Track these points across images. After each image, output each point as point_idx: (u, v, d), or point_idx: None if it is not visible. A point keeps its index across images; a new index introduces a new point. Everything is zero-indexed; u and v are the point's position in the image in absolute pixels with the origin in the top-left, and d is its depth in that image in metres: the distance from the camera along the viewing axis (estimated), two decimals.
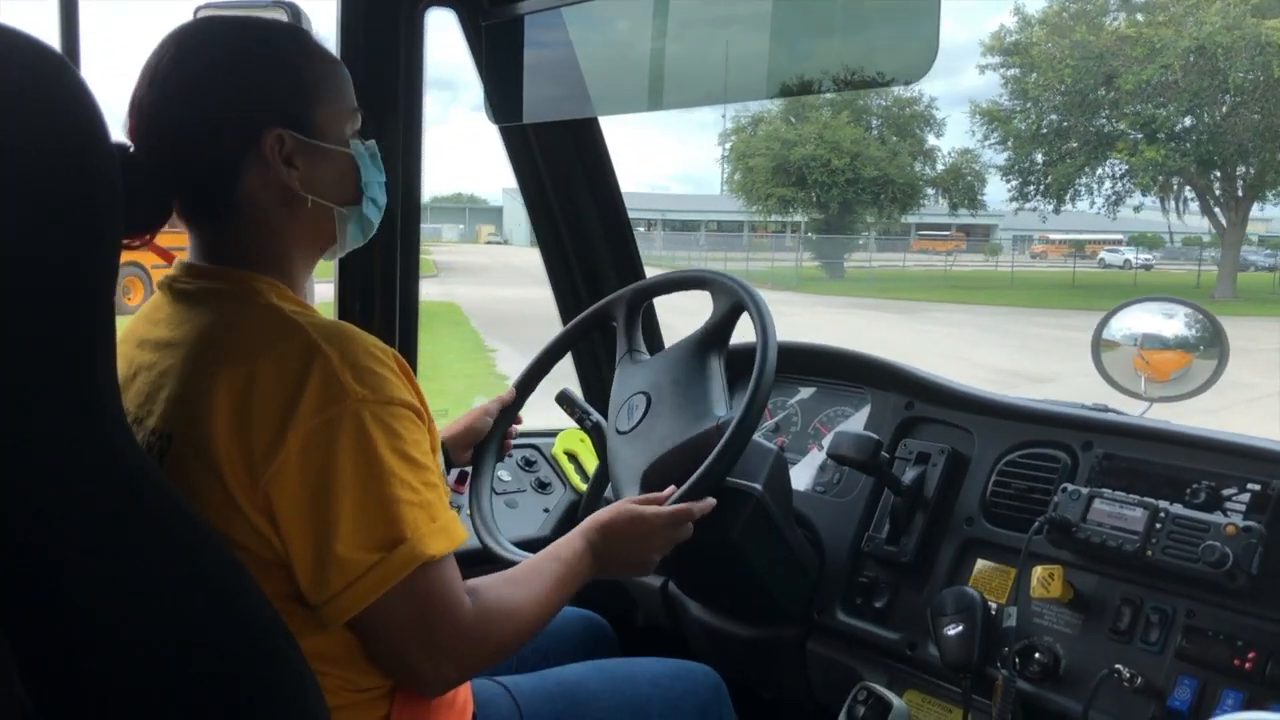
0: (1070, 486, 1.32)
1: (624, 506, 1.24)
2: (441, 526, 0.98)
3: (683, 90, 1.54)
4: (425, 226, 1.99)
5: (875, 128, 30.98)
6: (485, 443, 1.58)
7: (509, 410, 1.61)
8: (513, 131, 1.98)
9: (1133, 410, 1.64)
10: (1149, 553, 1.21)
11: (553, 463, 2.04)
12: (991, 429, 1.51)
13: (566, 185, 2.03)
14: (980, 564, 1.41)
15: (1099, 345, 1.75)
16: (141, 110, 1.03)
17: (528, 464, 2.00)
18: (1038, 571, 1.30)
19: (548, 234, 2.10)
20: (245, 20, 1.12)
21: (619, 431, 1.48)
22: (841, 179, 28.41)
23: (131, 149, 1.02)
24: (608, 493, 1.55)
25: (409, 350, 1.88)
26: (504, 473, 1.95)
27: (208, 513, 0.92)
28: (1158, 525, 1.22)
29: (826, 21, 1.34)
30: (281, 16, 1.60)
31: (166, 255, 1.17)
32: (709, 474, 1.29)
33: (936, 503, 1.49)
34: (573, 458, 2.03)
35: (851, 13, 1.30)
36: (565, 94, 1.75)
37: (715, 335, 1.47)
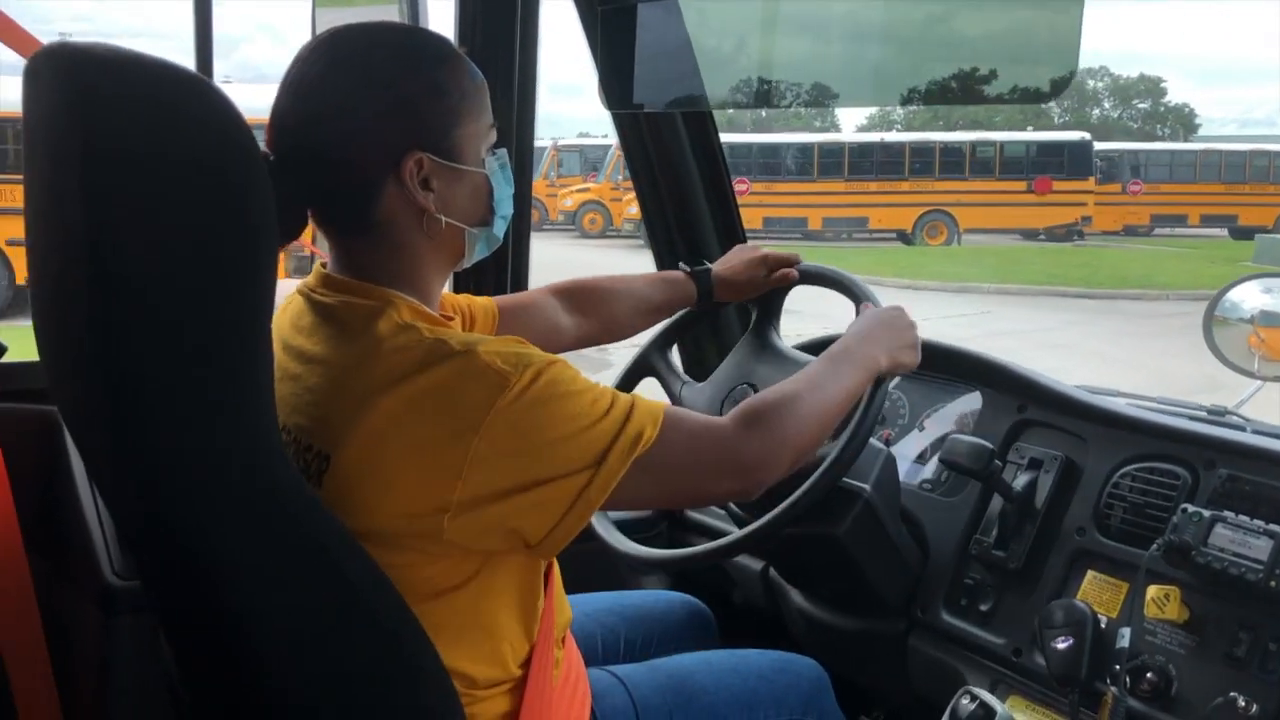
0: (1190, 508, 1.29)
1: (872, 310, 1.37)
2: (637, 415, 1.01)
3: (800, 89, 1.52)
4: None
5: None
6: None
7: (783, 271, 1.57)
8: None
9: (1248, 391, 1.58)
10: (1273, 584, 1.19)
11: None
12: (1107, 439, 1.48)
13: (674, 167, 2.02)
14: (1090, 575, 1.40)
15: (1210, 322, 1.70)
16: (284, 122, 1.04)
17: None
18: (1153, 590, 1.29)
19: (654, 213, 2.10)
20: (393, 32, 1.12)
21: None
22: None
23: (271, 158, 1.03)
24: None
25: None
26: None
27: (375, 524, 0.97)
28: None
29: (960, 31, 1.30)
30: (398, 8, 1.62)
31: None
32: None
33: (1047, 511, 1.48)
34: None
35: (989, 22, 1.26)
36: (678, 85, 1.74)
37: None
